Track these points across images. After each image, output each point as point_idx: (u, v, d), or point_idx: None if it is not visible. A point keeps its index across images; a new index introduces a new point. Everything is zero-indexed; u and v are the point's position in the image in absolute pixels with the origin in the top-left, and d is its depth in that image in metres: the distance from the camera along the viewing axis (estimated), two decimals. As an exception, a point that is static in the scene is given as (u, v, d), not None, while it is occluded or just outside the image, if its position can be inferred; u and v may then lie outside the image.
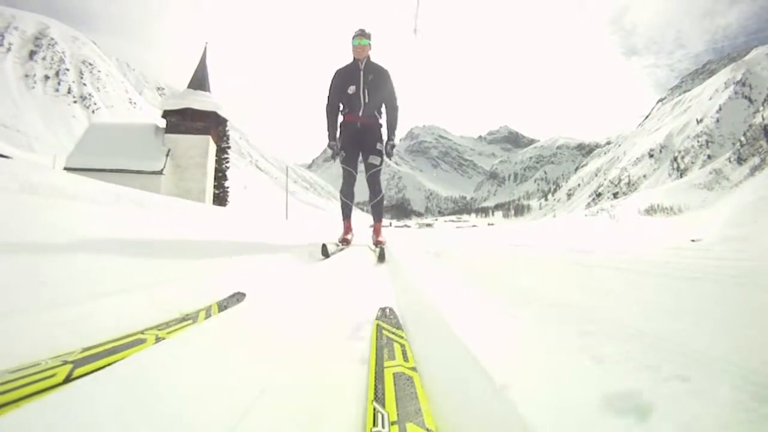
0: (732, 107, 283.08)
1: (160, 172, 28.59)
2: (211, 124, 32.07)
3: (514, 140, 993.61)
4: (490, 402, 0.95)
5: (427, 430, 0.88)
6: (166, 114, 31.35)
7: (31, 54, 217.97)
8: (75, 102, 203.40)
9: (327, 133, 6.00)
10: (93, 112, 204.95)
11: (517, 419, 0.82)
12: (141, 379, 0.92)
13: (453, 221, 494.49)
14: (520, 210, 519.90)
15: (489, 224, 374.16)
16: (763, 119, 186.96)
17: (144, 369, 0.97)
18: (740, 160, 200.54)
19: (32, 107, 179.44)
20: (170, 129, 30.81)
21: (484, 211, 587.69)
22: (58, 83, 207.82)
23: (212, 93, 33.71)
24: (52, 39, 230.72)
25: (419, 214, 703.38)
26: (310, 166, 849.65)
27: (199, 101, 31.17)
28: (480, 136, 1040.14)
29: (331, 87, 5.98)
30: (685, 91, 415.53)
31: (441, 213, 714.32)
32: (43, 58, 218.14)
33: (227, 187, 38.76)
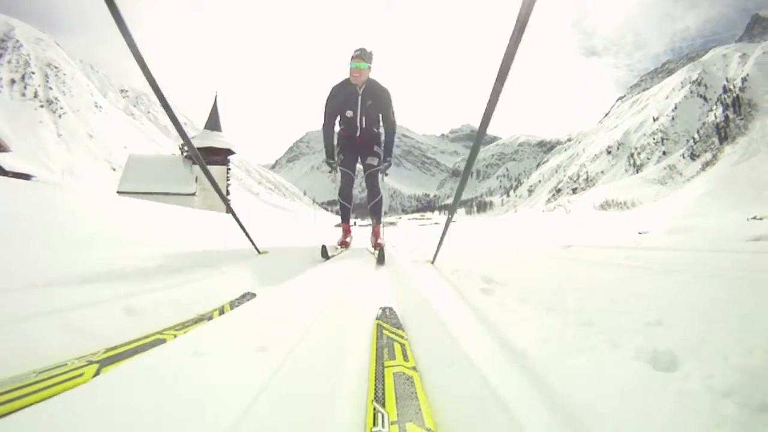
0: (687, 106, 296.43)
1: (194, 194, 37.16)
2: (225, 156, 42.39)
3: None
4: (488, 402, 0.98)
5: (427, 429, 0.88)
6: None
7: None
8: (41, 106, 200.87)
9: (324, 150, 5.94)
10: (59, 116, 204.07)
11: (514, 420, 0.85)
12: (157, 376, 0.97)
13: (416, 219, 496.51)
14: (482, 207, 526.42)
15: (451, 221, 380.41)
16: (716, 117, 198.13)
17: (162, 365, 1.03)
18: (693, 156, 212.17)
19: (0, 113, 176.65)
20: (195, 161, 38.78)
21: (447, 209, 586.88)
22: (24, 87, 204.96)
23: (223, 132, 43.62)
24: (17, 41, 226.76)
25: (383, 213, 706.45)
26: (273, 167, 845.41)
27: (218, 141, 41.36)
28: (442, 134, 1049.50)
29: (326, 105, 5.80)
30: (644, 90, 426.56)
31: (404, 211, 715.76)
32: (9, 62, 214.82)
33: (229, 200, 44.94)
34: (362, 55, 5.48)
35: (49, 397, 0.94)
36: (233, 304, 2.05)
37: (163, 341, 1.39)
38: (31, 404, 0.91)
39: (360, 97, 5.60)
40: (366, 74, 5.56)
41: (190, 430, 0.78)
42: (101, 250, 3.39)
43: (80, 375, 1.10)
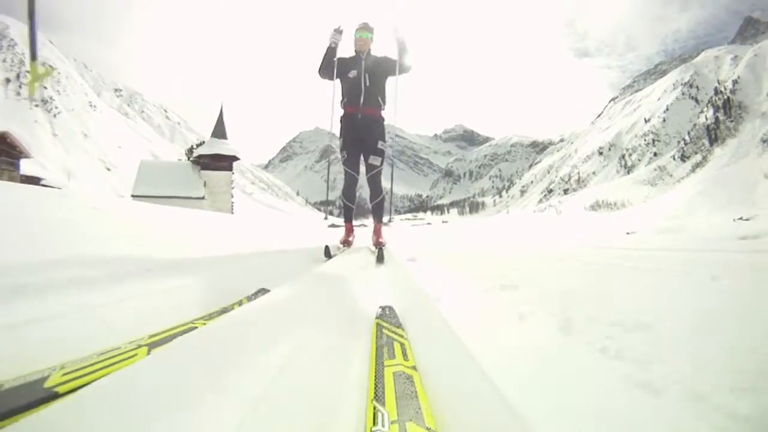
0: (678, 107, 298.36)
1: (203, 198, 39.06)
2: (230, 162, 44.84)
3: (469, 138, 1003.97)
4: (489, 401, 0.98)
5: (427, 429, 0.88)
6: (200, 156, 43.62)
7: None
8: (36, 106, 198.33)
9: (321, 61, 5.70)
10: (54, 116, 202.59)
11: (517, 418, 0.84)
12: (199, 355, 1.07)
13: (409, 219, 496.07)
14: (474, 207, 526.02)
15: (443, 221, 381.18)
16: (707, 119, 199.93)
17: (199, 347, 1.12)
18: (684, 158, 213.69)
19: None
20: (204, 167, 42.81)
21: (439, 209, 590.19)
22: (19, 86, 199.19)
23: (229, 139, 46.38)
24: (12, 40, 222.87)
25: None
26: (266, 167, 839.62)
27: (224, 148, 44.00)
28: (435, 135, 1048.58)
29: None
30: (636, 91, 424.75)
31: (397, 211, 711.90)
32: (4, 60, 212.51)
33: (233, 202, 46.30)
34: (366, 27, 5.73)
35: (114, 372, 0.98)
36: (250, 299, 2.20)
37: (196, 328, 1.55)
38: (101, 377, 0.97)
39: (363, 61, 5.64)
40: (369, 43, 5.73)
41: (219, 401, 0.84)
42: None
43: (135, 355, 1.22)
